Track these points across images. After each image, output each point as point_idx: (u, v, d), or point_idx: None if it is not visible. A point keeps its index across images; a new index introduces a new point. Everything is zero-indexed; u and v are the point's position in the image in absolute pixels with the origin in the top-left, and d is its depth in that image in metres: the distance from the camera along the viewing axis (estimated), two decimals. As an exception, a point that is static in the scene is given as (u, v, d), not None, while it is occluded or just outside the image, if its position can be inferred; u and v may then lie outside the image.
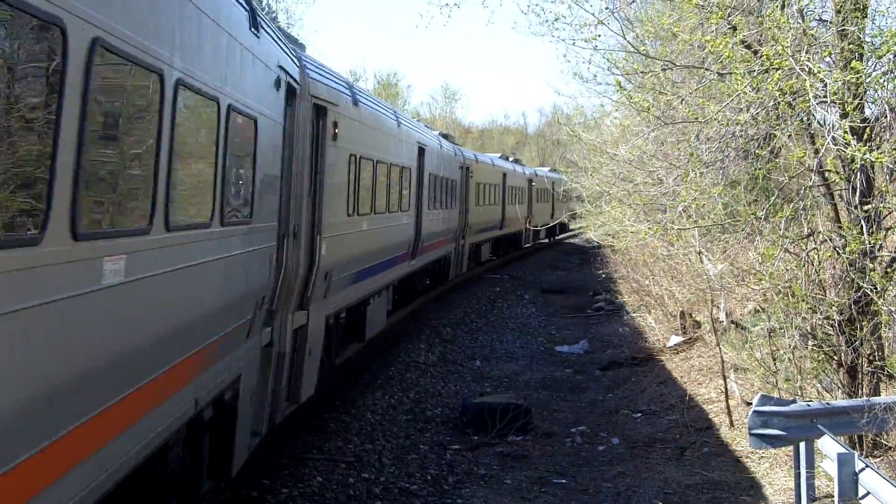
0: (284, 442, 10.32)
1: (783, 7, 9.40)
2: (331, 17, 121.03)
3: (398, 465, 10.06)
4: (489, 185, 30.08)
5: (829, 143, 8.84)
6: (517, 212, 35.57)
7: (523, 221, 36.93)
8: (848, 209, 9.75)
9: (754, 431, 8.75)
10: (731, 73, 9.64)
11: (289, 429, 10.84)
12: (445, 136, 24.72)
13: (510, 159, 40.85)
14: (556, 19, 10.95)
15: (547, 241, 47.32)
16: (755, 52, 9.63)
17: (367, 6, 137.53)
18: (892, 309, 9.22)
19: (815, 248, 10.22)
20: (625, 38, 12.36)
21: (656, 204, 13.87)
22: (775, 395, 10.13)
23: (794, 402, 8.98)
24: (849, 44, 9.02)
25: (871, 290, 8.96)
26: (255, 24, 7.08)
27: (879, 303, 9.04)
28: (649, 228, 11.61)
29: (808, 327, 10.39)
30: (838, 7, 9.29)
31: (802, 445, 8.60)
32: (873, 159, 8.15)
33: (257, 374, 8.07)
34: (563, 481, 9.88)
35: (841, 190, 9.97)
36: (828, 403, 9.15)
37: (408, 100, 71.99)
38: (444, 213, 21.53)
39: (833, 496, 7.92)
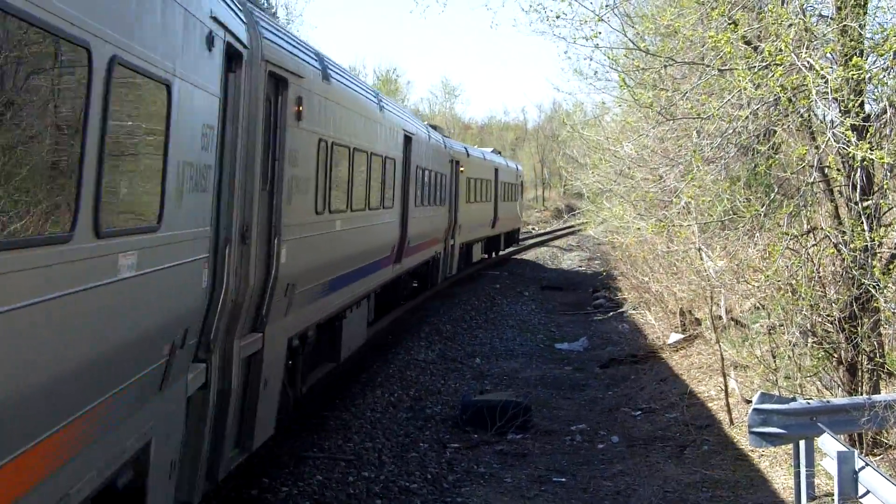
0: (284, 441, 10.29)
1: (784, 2, 9.36)
2: (331, 13, 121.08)
3: (398, 464, 10.03)
4: (370, 156, 12.22)
5: (829, 140, 8.80)
6: (434, 222, 19.59)
7: (444, 235, 21.55)
8: (848, 205, 9.72)
9: (754, 429, 8.72)
10: (731, 70, 9.60)
11: (288, 427, 10.81)
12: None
13: (427, 124, 22.04)
14: (556, 17, 10.92)
15: (486, 256, 32.12)
16: (755, 49, 9.60)
17: (368, 2, 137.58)
18: (893, 306, 9.19)
19: (815, 245, 10.19)
20: (625, 35, 12.33)
21: (657, 200, 13.85)
22: (775, 392, 10.09)
23: (794, 399, 8.95)
24: (849, 40, 8.98)
25: (873, 287, 8.93)
26: None
27: (880, 299, 9.01)
28: (651, 225, 11.59)
29: (809, 324, 10.37)
30: (839, 3, 9.25)
31: (802, 443, 8.57)
32: (875, 159, 8.11)
33: (182, 432, 6.09)
34: (563, 480, 9.85)
35: (841, 186, 9.93)
36: (828, 401, 9.12)
37: (407, 95, 71.91)
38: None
39: (833, 494, 7.89)
